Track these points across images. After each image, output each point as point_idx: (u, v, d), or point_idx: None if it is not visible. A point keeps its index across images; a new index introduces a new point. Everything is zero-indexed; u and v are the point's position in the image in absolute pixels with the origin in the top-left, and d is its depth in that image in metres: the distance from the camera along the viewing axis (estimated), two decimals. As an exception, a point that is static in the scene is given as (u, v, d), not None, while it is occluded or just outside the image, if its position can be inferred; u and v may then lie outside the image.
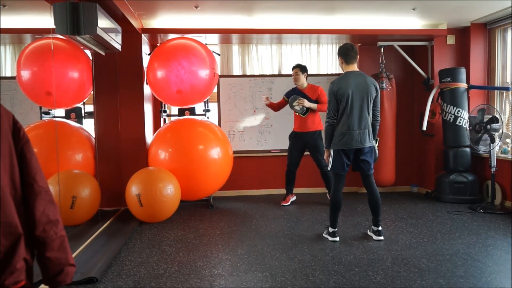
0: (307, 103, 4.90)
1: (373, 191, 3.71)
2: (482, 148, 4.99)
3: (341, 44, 3.82)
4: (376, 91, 3.63)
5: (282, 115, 6.04)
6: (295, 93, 5.05)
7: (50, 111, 5.03)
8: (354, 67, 3.70)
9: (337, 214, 3.74)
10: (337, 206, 3.72)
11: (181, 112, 5.43)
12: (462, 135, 5.23)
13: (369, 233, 3.85)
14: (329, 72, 6.20)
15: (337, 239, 3.70)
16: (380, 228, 3.74)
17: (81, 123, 5.09)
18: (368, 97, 3.57)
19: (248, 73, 6.09)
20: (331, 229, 3.75)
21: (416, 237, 3.78)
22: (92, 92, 4.90)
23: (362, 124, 3.57)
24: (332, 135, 3.65)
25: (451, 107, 5.26)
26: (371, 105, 3.62)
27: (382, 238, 3.70)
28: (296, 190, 6.04)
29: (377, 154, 3.79)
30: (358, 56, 3.72)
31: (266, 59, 6.13)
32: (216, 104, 5.95)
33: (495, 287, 2.69)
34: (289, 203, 5.21)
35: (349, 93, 3.54)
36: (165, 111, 5.71)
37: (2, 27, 4.24)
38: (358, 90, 3.55)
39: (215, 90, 5.77)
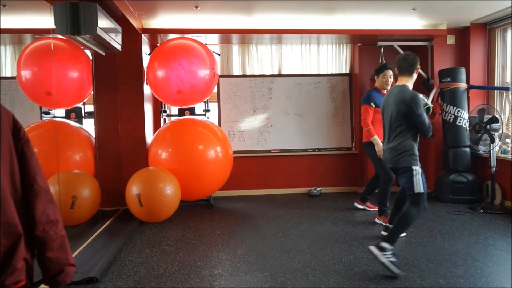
0: None
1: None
2: (482, 148, 4.99)
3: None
4: (406, 105, 3.16)
5: (282, 115, 6.05)
6: (378, 96, 4.42)
7: (50, 111, 5.04)
8: (402, 81, 3.29)
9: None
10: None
11: (181, 112, 5.44)
12: (462, 135, 5.23)
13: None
14: (329, 72, 6.21)
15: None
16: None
17: (81, 123, 5.09)
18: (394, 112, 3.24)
19: (248, 73, 6.09)
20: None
21: (416, 237, 3.77)
22: (92, 92, 4.90)
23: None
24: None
25: (451, 107, 5.26)
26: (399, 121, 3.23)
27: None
28: (295, 190, 6.07)
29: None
30: (415, 69, 3.26)
31: (266, 59, 6.13)
32: (216, 104, 5.95)
33: (495, 287, 2.69)
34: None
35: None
36: (165, 111, 5.71)
37: (2, 27, 4.25)
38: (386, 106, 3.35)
39: (215, 90, 5.77)
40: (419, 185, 3.19)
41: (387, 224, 3.90)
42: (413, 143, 3.22)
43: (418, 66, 3.29)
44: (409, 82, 3.28)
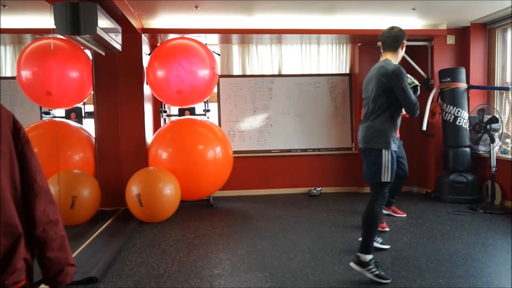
0: None
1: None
2: (482, 148, 4.99)
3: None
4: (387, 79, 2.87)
5: (282, 115, 6.05)
6: None
7: (50, 111, 5.04)
8: (385, 56, 3.05)
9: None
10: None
11: (181, 112, 5.44)
12: (462, 135, 5.23)
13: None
14: (329, 72, 6.21)
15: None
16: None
17: (81, 123, 5.09)
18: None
19: (248, 73, 6.09)
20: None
21: (416, 237, 3.77)
22: (92, 92, 4.90)
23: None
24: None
25: (451, 107, 5.26)
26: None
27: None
28: (295, 190, 6.07)
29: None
30: (400, 44, 3.01)
31: (266, 59, 6.14)
32: (216, 104, 5.95)
33: (495, 287, 2.68)
34: (387, 228, 4.03)
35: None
36: (165, 111, 5.71)
37: (2, 27, 4.25)
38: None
39: (215, 90, 5.77)
40: (387, 173, 2.84)
41: (385, 229, 3.97)
42: (391, 124, 2.87)
43: (404, 42, 3.00)
44: (394, 58, 2.99)
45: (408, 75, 2.98)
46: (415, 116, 2.90)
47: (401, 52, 3.05)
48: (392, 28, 3.02)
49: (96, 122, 4.91)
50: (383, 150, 2.84)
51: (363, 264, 2.83)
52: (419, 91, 3.05)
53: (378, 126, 2.87)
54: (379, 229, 4.06)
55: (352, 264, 2.88)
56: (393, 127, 2.89)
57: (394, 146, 2.89)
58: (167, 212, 4.45)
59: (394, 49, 3.02)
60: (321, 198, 5.65)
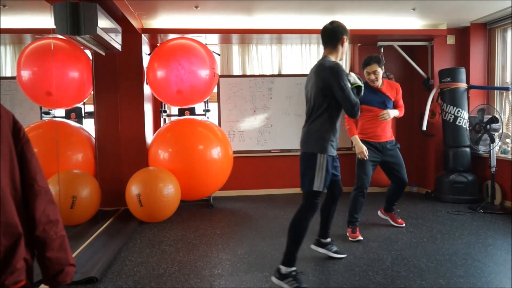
0: (390, 114, 3.74)
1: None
2: (482, 148, 4.99)
3: None
4: (324, 77, 2.69)
5: (282, 115, 6.05)
6: (371, 94, 3.78)
7: (50, 111, 5.04)
8: (324, 54, 2.85)
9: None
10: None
11: (181, 112, 5.44)
12: (462, 135, 5.23)
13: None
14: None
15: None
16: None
17: (81, 123, 5.10)
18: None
19: (248, 73, 6.09)
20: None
21: (416, 237, 3.77)
22: (92, 92, 4.90)
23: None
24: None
25: (451, 107, 5.26)
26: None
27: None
28: (295, 190, 6.06)
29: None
30: (339, 40, 2.79)
31: (266, 59, 6.13)
32: (216, 104, 5.95)
33: (495, 287, 2.68)
34: (361, 237, 3.73)
35: None
36: (165, 111, 5.71)
37: (2, 27, 4.25)
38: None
39: (215, 90, 5.77)
40: (320, 180, 2.66)
41: (358, 238, 3.64)
42: (328, 126, 2.69)
43: (345, 37, 2.78)
44: (333, 56, 2.79)
45: (353, 74, 2.79)
46: (355, 117, 2.73)
47: (342, 49, 2.82)
48: (331, 23, 2.83)
49: (96, 122, 4.91)
50: (318, 154, 2.66)
51: (282, 276, 2.64)
52: (362, 91, 2.84)
53: (316, 128, 2.70)
54: (395, 224, 4.11)
55: (272, 278, 2.70)
56: (332, 130, 2.71)
57: (332, 151, 2.71)
58: (167, 212, 4.45)
59: (332, 45, 2.80)
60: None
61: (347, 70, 6.24)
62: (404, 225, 4.12)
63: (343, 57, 2.88)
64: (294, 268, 2.67)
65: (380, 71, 3.76)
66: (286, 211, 4.91)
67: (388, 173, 3.95)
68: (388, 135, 3.88)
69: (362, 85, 2.81)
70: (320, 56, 6.27)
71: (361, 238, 3.69)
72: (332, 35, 2.79)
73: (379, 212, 4.33)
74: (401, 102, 3.97)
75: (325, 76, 2.66)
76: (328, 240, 3.28)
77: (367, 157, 3.70)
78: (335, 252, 3.26)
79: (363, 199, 3.78)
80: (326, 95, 2.67)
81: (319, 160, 2.66)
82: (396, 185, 3.96)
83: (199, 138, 4.86)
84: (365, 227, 4.16)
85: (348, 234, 3.78)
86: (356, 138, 3.76)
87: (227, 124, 5.97)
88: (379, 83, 3.80)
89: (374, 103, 3.79)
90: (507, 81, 5.29)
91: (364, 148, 3.71)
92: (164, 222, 4.50)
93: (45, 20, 3.59)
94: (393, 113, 3.80)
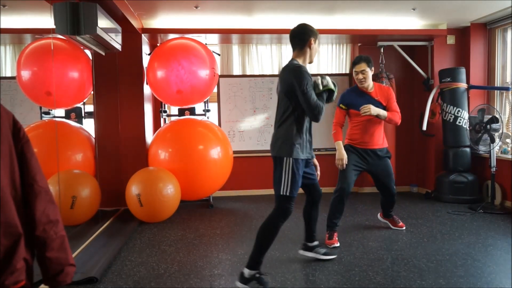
0: (374, 109, 3.50)
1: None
2: (482, 148, 4.99)
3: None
4: (287, 80, 2.66)
5: (282, 115, 6.04)
6: (359, 98, 3.65)
7: (50, 111, 5.04)
8: (292, 56, 2.81)
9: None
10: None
11: (181, 112, 5.44)
12: (462, 135, 5.23)
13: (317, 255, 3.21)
14: (329, 72, 6.20)
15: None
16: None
17: (81, 123, 5.10)
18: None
19: (248, 73, 6.09)
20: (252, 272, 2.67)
21: (416, 237, 3.77)
22: (92, 92, 4.90)
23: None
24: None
25: (451, 107, 5.26)
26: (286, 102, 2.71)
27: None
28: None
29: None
30: (306, 42, 2.74)
31: (266, 59, 6.13)
32: (216, 104, 5.95)
33: (495, 287, 2.68)
34: (337, 243, 3.58)
35: None
36: (165, 111, 5.71)
37: (2, 27, 4.25)
38: None
39: (215, 90, 5.77)
40: (286, 185, 2.63)
41: (334, 245, 3.50)
42: (295, 129, 2.64)
43: (312, 39, 2.73)
44: (300, 59, 2.75)
45: (327, 77, 2.75)
46: (317, 121, 2.65)
47: (310, 51, 2.78)
48: (299, 25, 2.79)
49: (96, 122, 4.91)
50: (285, 158, 2.62)
51: (246, 280, 2.62)
52: (335, 95, 2.76)
53: (283, 132, 2.67)
54: (396, 228, 4.00)
55: (237, 282, 2.66)
56: (299, 133, 2.66)
57: (299, 154, 2.65)
58: (167, 212, 4.45)
59: (299, 47, 2.76)
60: (321, 198, 5.64)
61: (347, 70, 6.24)
62: (404, 228, 4.00)
63: (313, 59, 2.84)
64: (257, 270, 2.65)
65: (369, 72, 3.59)
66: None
67: (375, 183, 3.81)
68: (378, 142, 3.66)
69: (335, 90, 2.75)
70: (319, 56, 6.23)
71: (337, 245, 3.52)
72: (298, 37, 2.76)
73: (378, 216, 4.21)
74: (395, 107, 3.65)
75: (288, 79, 2.64)
76: (315, 243, 3.21)
77: (345, 166, 3.57)
78: (324, 254, 3.19)
79: (342, 205, 3.62)
80: (291, 98, 2.65)
81: (285, 164, 2.63)
82: (384, 196, 3.85)
83: (199, 138, 4.86)
84: (365, 227, 4.16)
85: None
86: (339, 144, 3.63)
87: (227, 124, 5.97)
88: (367, 84, 3.62)
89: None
90: (507, 81, 5.29)
91: (344, 156, 3.56)
92: (164, 222, 4.50)
93: (45, 20, 3.60)
94: (378, 111, 3.50)
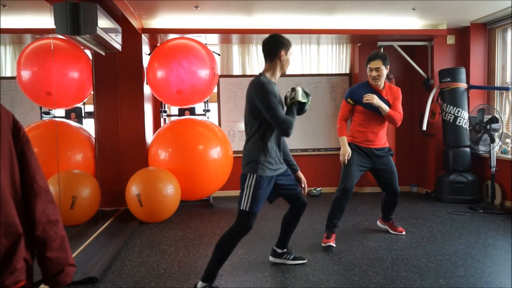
0: (377, 100, 3.39)
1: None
2: (482, 148, 4.99)
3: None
4: (250, 96, 2.62)
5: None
6: (364, 91, 3.51)
7: (50, 111, 5.04)
8: (265, 69, 2.74)
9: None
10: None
11: (181, 112, 5.44)
12: (462, 135, 5.23)
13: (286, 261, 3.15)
14: (329, 72, 6.21)
15: None
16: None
17: (81, 123, 5.10)
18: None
19: (248, 73, 6.08)
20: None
21: (416, 237, 3.77)
22: (92, 92, 4.90)
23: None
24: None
25: (451, 107, 5.26)
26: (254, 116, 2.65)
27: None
28: (296, 190, 6.05)
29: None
30: (275, 54, 2.65)
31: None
32: (216, 104, 5.95)
33: (495, 287, 2.69)
34: (333, 243, 3.52)
35: None
36: (165, 111, 5.71)
37: (2, 27, 4.25)
38: None
39: (215, 90, 5.77)
40: (247, 201, 2.57)
41: (329, 244, 3.46)
42: (260, 146, 2.61)
43: (282, 50, 2.64)
44: (269, 71, 2.69)
45: (299, 89, 2.70)
46: (288, 136, 2.59)
47: (281, 63, 2.69)
48: (270, 36, 2.69)
49: (96, 122, 4.91)
50: (248, 175, 2.59)
51: None
52: (307, 107, 2.71)
53: (248, 149, 2.65)
54: (395, 233, 3.85)
55: None
56: (264, 150, 2.60)
57: (265, 172, 2.59)
58: (167, 212, 4.45)
59: (269, 60, 2.68)
60: (321, 198, 5.65)
61: (347, 70, 6.24)
62: (404, 233, 3.85)
63: (285, 70, 2.74)
64: (210, 283, 2.62)
65: (384, 70, 3.46)
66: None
67: (378, 181, 3.70)
68: (381, 141, 3.59)
69: (305, 100, 2.69)
70: (319, 56, 6.23)
71: (333, 245, 3.45)
72: (268, 49, 2.67)
73: (378, 222, 4.08)
74: (399, 108, 3.54)
75: (251, 96, 2.59)
76: (285, 250, 3.14)
77: (346, 161, 3.50)
78: (294, 259, 3.13)
79: (344, 204, 3.53)
80: (256, 115, 2.59)
81: (248, 181, 2.59)
82: (387, 195, 3.74)
83: (199, 138, 4.86)
84: (365, 227, 4.16)
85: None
86: (344, 140, 3.55)
87: (227, 124, 5.96)
88: (380, 82, 3.51)
89: (369, 105, 3.43)
90: (507, 81, 5.29)
91: (348, 151, 3.49)
92: (164, 222, 4.50)
93: (45, 20, 3.59)
94: (381, 103, 3.39)
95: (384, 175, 3.62)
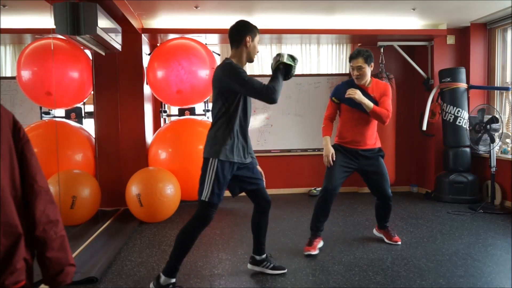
0: (360, 95, 3.18)
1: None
2: (482, 148, 4.99)
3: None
4: (219, 78, 2.55)
5: (282, 115, 6.05)
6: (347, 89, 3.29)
7: (50, 111, 5.04)
8: (231, 55, 2.66)
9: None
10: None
11: (181, 112, 5.44)
12: (462, 135, 5.23)
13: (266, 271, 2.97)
14: (329, 72, 6.21)
15: None
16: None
17: (81, 123, 5.10)
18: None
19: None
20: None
21: (416, 237, 3.77)
22: (92, 92, 4.90)
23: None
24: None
25: (451, 107, 5.26)
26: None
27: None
28: (295, 190, 6.06)
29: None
30: (241, 40, 2.59)
31: (266, 59, 6.13)
32: (216, 104, 5.94)
33: (495, 287, 2.69)
34: (316, 251, 3.37)
35: None
36: (165, 111, 5.71)
37: (2, 27, 4.25)
38: None
39: (215, 90, 5.76)
40: (208, 189, 2.48)
41: (309, 253, 3.27)
42: (225, 130, 2.53)
43: (248, 36, 2.57)
44: (236, 57, 2.61)
45: (281, 52, 2.61)
46: (275, 102, 2.48)
47: (247, 50, 2.62)
48: (236, 22, 2.63)
49: (96, 122, 4.91)
50: (211, 159, 2.48)
51: (160, 286, 2.54)
52: (293, 71, 2.61)
53: (212, 133, 2.57)
54: (390, 242, 3.57)
55: (151, 284, 2.59)
56: (230, 134, 2.53)
57: (228, 156, 2.50)
58: (167, 212, 4.45)
59: (235, 46, 2.61)
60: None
61: (347, 70, 6.24)
62: (399, 243, 3.56)
63: (253, 57, 2.67)
64: (173, 281, 2.58)
65: (367, 69, 3.26)
66: (286, 211, 4.91)
67: (368, 184, 3.50)
68: (370, 142, 3.39)
69: (293, 64, 2.59)
70: (319, 56, 6.22)
71: (314, 253, 3.29)
72: (233, 35, 2.61)
73: (374, 230, 3.83)
74: (387, 105, 3.27)
75: (221, 78, 2.51)
76: (263, 256, 2.96)
77: (332, 162, 3.33)
78: (273, 269, 2.94)
79: (326, 206, 3.35)
80: (226, 98, 2.52)
81: (210, 165, 2.48)
82: (378, 199, 3.52)
83: (199, 138, 4.85)
84: (365, 227, 4.16)
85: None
86: (326, 139, 3.38)
87: (227, 124, 5.96)
88: (364, 81, 3.31)
89: (356, 103, 3.22)
90: (507, 81, 5.29)
91: (331, 151, 3.33)
92: (164, 222, 4.50)
93: (45, 20, 3.59)
94: (364, 99, 3.17)
95: (372, 177, 3.42)
